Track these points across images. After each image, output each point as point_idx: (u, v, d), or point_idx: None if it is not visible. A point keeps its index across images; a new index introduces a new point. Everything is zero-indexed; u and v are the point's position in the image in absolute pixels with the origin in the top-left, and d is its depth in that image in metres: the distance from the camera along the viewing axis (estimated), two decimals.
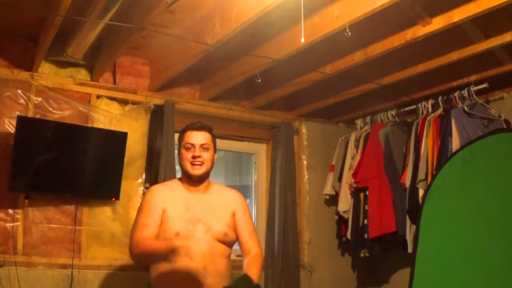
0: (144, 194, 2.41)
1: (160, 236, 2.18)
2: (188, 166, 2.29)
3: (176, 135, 3.39)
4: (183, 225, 2.21)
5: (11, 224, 2.90)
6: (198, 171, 2.29)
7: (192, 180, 2.31)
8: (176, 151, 3.46)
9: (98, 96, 3.29)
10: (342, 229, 3.88)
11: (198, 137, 2.31)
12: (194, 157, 2.28)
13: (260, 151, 4.08)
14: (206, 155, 2.31)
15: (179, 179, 2.41)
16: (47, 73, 3.16)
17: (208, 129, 2.37)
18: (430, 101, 3.45)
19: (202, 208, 2.29)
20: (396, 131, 3.68)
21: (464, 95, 3.22)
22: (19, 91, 3.01)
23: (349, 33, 2.36)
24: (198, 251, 2.18)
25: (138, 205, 2.94)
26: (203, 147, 2.31)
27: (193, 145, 2.29)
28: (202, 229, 2.23)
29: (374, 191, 3.55)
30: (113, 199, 3.16)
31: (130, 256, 2.29)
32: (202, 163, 2.29)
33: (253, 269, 2.26)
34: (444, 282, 2.82)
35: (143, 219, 2.24)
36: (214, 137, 2.40)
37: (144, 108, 3.41)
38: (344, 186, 3.82)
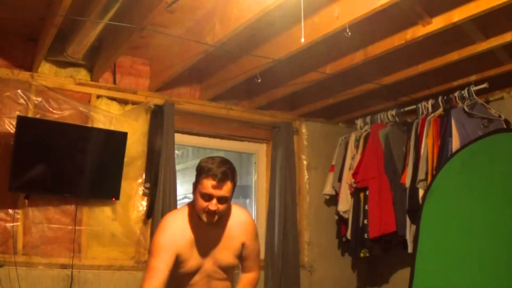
0: (155, 231, 2.15)
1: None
2: (202, 214, 2.05)
3: (177, 136, 3.43)
4: (193, 264, 2.12)
5: (11, 224, 2.90)
6: (212, 219, 2.06)
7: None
8: (176, 151, 3.48)
9: (98, 96, 3.29)
10: (342, 229, 3.88)
11: (217, 190, 2.01)
12: (210, 211, 2.03)
13: (260, 151, 4.08)
14: (223, 206, 2.05)
15: (189, 207, 2.18)
16: (47, 73, 3.16)
17: (231, 177, 2.05)
18: (430, 101, 3.45)
19: (211, 242, 2.17)
20: (396, 131, 3.68)
21: (464, 95, 3.22)
22: (19, 91, 3.01)
23: (349, 33, 2.36)
24: (203, 281, 2.15)
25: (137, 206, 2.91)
26: (221, 200, 2.03)
27: (210, 196, 2.02)
28: (210, 261, 2.16)
29: (374, 191, 3.55)
30: (113, 199, 3.17)
31: None
32: (217, 214, 2.06)
33: None
34: (444, 282, 2.82)
35: (153, 262, 2.01)
36: (235, 183, 2.10)
37: (144, 108, 3.41)
38: (344, 186, 3.82)
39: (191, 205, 2.15)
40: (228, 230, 2.19)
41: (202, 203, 2.03)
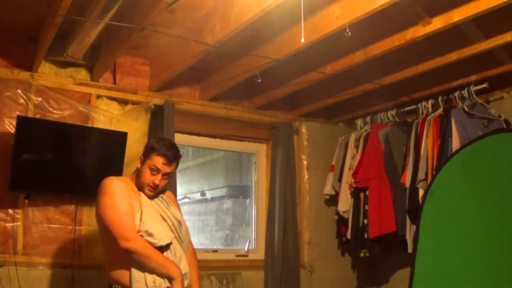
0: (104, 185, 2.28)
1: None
2: (146, 187, 2.32)
3: (177, 135, 3.43)
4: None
5: (11, 224, 2.90)
6: (152, 193, 2.34)
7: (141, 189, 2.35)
8: None
9: (98, 96, 3.29)
10: (342, 229, 3.88)
11: (165, 167, 2.31)
12: (153, 184, 2.30)
13: (260, 151, 4.08)
14: (164, 182, 2.36)
15: (129, 178, 2.39)
16: (47, 73, 3.16)
17: (178, 159, 2.38)
18: (430, 101, 3.45)
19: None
20: (396, 131, 3.68)
21: (464, 95, 3.22)
22: (19, 91, 3.01)
23: (349, 33, 2.36)
24: None
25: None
26: (166, 175, 2.34)
27: (158, 171, 2.30)
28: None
29: (374, 191, 3.55)
30: None
31: (122, 243, 2.13)
32: (158, 189, 2.34)
33: (195, 266, 2.48)
34: (444, 282, 2.82)
35: (125, 208, 2.20)
36: (178, 164, 2.41)
37: (144, 108, 3.41)
38: (344, 186, 3.82)
39: (132, 177, 2.38)
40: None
41: (149, 176, 2.30)
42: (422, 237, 2.98)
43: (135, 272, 2.13)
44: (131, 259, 2.14)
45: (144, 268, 2.14)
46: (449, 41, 2.78)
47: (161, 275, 2.15)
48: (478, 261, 2.72)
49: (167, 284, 2.15)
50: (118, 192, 2.22)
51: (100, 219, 2.23)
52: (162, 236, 2.21)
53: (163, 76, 3.32)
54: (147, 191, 2.31)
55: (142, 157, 2.35)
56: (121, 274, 2.17)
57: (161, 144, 2.32)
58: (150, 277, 2.13)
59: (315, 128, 4.16)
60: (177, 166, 2.40)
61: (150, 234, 2.17)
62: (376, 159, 3.62)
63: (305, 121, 4.12)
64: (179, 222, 2.37)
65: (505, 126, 3.11)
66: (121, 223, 2.16)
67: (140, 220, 2.20)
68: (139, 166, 2.34)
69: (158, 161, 2.28)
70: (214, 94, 3.60)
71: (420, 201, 3.19)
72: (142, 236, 2.16)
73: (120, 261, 2.18)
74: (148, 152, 2.32)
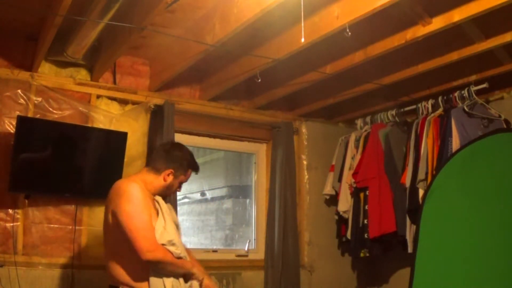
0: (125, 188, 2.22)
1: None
2: (168, 195, 2.43)
3: (177, 135, 3.43)
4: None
5: (11, 224, 2.89)
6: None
7: (155, 195, 2.35)
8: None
9: (98, 96, 3.29)
10: (342, 229, 3.88)
11: None
12: (174, 192, 2.53)
13: (260, 151, 4.08)
14: None
15: (142, 182, 2.31)
16: (47, 73, 3.16)
17: None
18: (430, 101, 3.45)
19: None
20: (396, 131, 3.68)
21: (464, 95, 3.22)
22: (19, 91, 3.01)
23: (349, 33, 2.36)
24: None
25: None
26: None
27: (184, 183, 2.45)
28: None
29: (374, 191, 3.55)
30: None
31: (145, 255, 2.08)
32: None
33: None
34: (444, 282, 2.82)
35: (148, 217, 2.16)
36: None
37: (144, 108, 3.41)
38: (344, 186, 3.82)
39: (143, 180, 2.31)
40: None
41: (175, 189, 2.41)
42: (422, 237, 2.98)
43: (153, 280, 2.13)
44: (144, 263, 2.12)
45: (161, 272, 2.15)
46: (449, 41, 2.78)
47: (179, 275, 2.20)
48: (478, 261, 2.72)
49: (184, 285, 2.20)
50: (141, 200, 2.18)
51: (116, 224, 2.16)
52: (181, 247, 2.25)
53: (163, 76, 3.32)
54: (164, 198, 2.37)
55: (173, 170, 2.33)
56: (134, 277, 2.16)
57: (192, 157, 2.41)
58: (168, 282, 2.15)
59: (315, 128, 4.16)
60: None
61: (173, 244, 2.19)
62: (376, 159, 3.62)
63: (305, 121, 4.12)
64: (177, 226, 2.40)
65: (505, 126, 3.11)
66: (145, 235, 2.10)
67: (164, 228, 2.19)
68: (169, 180, 2.33)
69: (189, 176, 2.40)
70: (214, 94, 3.60)
71: (420, 201, 3.19)
72: (164, 245, 2.15)
73: (132, 264, 2.15)
74: (183, 167, 2.37)
